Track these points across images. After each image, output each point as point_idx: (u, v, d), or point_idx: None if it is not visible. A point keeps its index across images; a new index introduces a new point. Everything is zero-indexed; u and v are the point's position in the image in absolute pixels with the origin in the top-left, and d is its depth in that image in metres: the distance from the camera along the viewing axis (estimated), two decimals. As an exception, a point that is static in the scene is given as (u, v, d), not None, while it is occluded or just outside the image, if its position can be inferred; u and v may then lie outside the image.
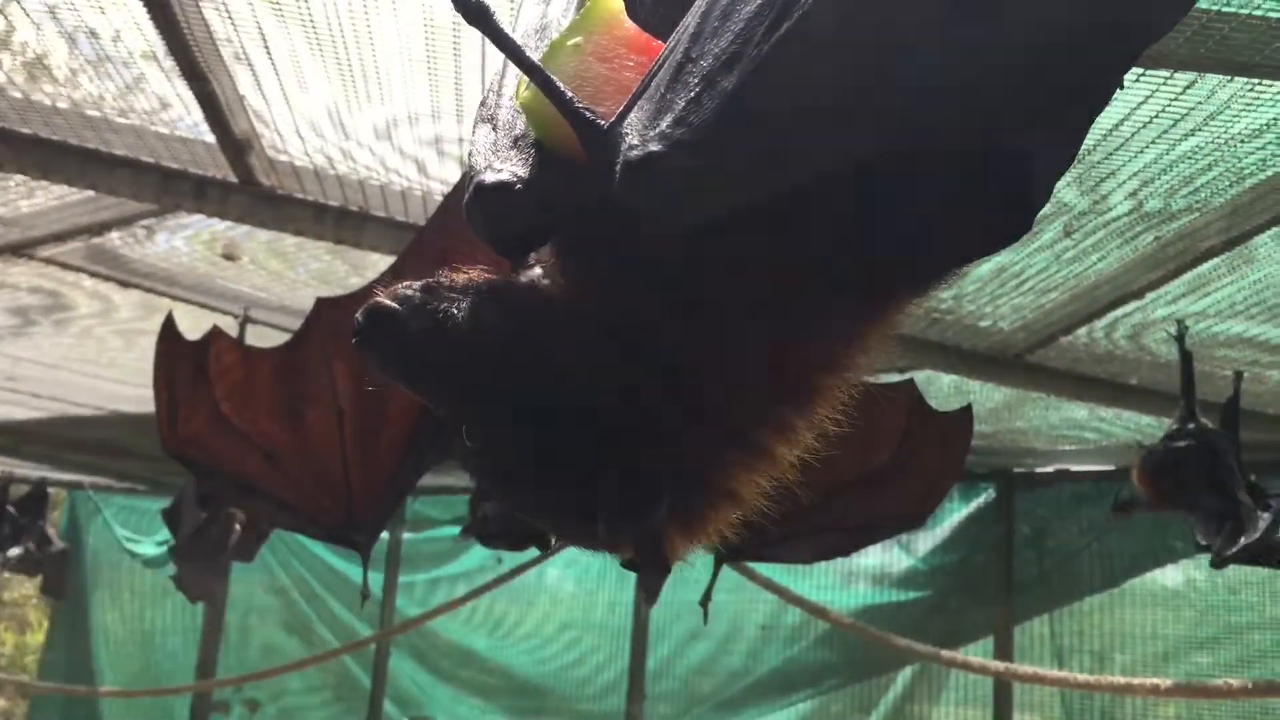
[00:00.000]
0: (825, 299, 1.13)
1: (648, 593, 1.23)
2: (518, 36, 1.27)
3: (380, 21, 3.13)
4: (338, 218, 4.22)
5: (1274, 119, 3.11)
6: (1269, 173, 3.40)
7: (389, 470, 3.26)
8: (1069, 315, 4.41)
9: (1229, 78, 2.92)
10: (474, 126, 1.33)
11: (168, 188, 4.04)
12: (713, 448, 1.17)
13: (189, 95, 3.53)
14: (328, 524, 3.35)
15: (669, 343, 1.14)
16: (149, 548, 10.44)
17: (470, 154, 1.31)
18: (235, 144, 3.82)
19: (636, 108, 1.08)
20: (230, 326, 4.71)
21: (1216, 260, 3.92)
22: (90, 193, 4.31)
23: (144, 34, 3.26)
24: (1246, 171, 3.43)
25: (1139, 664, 6.99)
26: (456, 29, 3.09)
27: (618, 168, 1.05)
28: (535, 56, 1.18)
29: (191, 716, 10.00)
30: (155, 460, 8.95)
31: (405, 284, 1.21)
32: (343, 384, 3.20)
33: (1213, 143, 3.30)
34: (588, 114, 1.10)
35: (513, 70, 1.32)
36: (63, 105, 3.75)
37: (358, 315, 1.17)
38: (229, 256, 4.91)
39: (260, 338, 4.83)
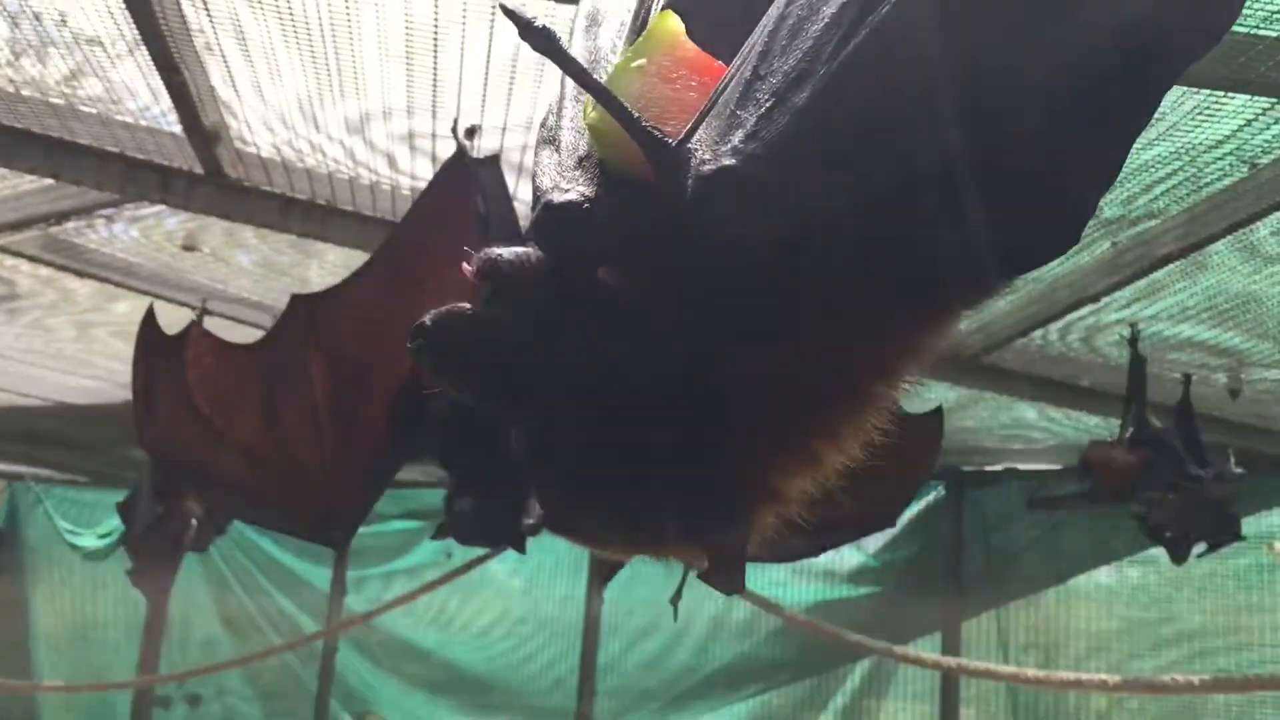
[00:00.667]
0: (886, 308, 1.16)
1: (728, 591, 1.24)
2: (575, 55, 1.30)
3: (360, 15, 3.12)
4: (304, 211, 4.20)
5: (1235, 130, 3.20)
6: (1226, 182, 3.50)
7: (364, 467, 3.26)
8: (1027, 318, 4.50)
9: (1194, 90, 3.00)
10: (537, 148, 1.36)
11: (132, 178, 3.99)
12: (769, 451, 1.20)
13: (159, 85, 3.49)
14: (304, 521, 3.34)
15: (735, 349, 1.16)
16: (91, 540, 10.27)
17: (534, 175, 1.34)
18: (204, 135, 3.78)
19: (704, 125, 1.11)
20: (186, 318, 4.66)
21: (1171, 266, 4.02)
22: (49, 181, 4.26)
23: (117, 23, 3.23)
24: (1205, 181, 3.52)
25: (1082, 659, 7.14)
26: (438, 25, 3.09)
27: (689, 182, 1.08)
28: (599, 79, 1.20)
29: (133, 712, 9.87)
30: (100, 453, 8.84)
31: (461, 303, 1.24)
32: (319, 381, 3.19)
33: (1174, 152, 3.39)
34: (655, 132, 1.13)
35: (571, 93, 1.37)
36: (27, 93, 3.69)
37: (423, 320, 1.20)
38: (188, 248, 4.85)
39: (218, 330, 4.78)
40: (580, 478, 1.21)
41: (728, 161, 1.07)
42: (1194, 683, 4.55)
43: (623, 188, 1.21)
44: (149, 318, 3.48)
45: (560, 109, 1.37)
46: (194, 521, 5.47)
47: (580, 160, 1.28)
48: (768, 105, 1.07)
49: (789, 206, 1.08)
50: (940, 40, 1.03)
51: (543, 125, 1.38)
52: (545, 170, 1.31)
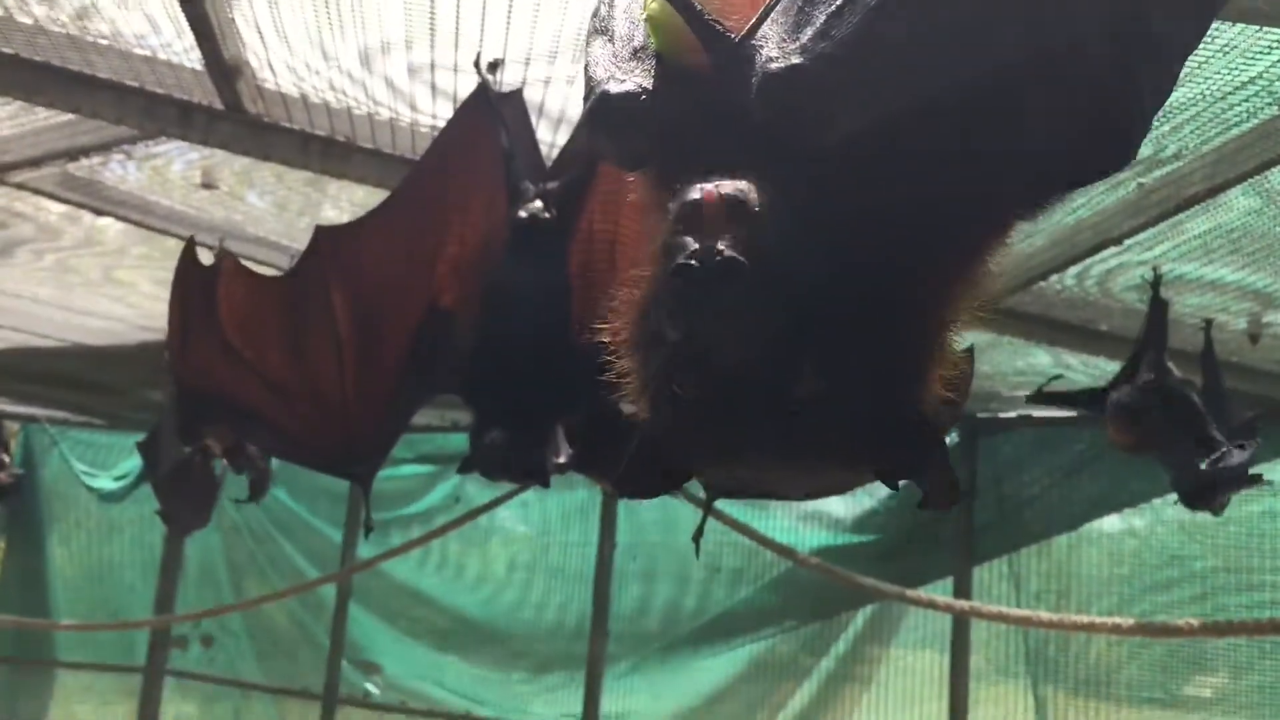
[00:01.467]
0: (955, 212, 1.16)
1: (950, 505, 1.25)
2: None
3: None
4: (323, 148, 4.18)
5: (1267, 68, 3.16)
6: (1254, 122, 3.46)
7: (389, 401, 3.26)
8: (1048, 260, 4.47)
9: (1228, 23, 2.96)
10: (588, 38, 1.34)
11: (152, 112, 3.97)
12: (926, 355, 1.22)
13: (180, 18, 3.47)
14: (328, 456, 3.34)
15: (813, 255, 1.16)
16: (107, 482, 10.35)
17: (587, 65, 1.31)
18: (224, 69, 3.76)
19: (770, 20, 1.10)
20: (206, 258, 4.65)
21: (1194, 209, 3.98)
22: (68, 117, 4.24)
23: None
24: (1233, 120, 3.48)
25: (1095, 603, 7.17)
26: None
27: (755, 80, 1.06)
28: None
29: (149, 651, 9.98)
30: (116, 395, 8.87)
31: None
32: (342, 316, 3.18)
33: (1203, 91, 3.35)
34: (718, 26, 1.11)
35: None
36: (47, 26, 3.67)
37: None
38: (207, 185, 4.84)
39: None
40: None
41: (796, 60, 1.05)
42: (1206, 626, 4.59)
43: (682, 80, 1.19)
44: (189, 250, 3.47)
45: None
46: (223, 462, 5.51)
47: (636, 51, 1.25)
48: (839, 3, 1.05)
49: (858, 110, 1.07)
50: None
51: (594, 15, 1.35)
52: (599, 61, 1.28)
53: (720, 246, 1.05)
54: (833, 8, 1.06)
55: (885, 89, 1.07)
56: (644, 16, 1.22)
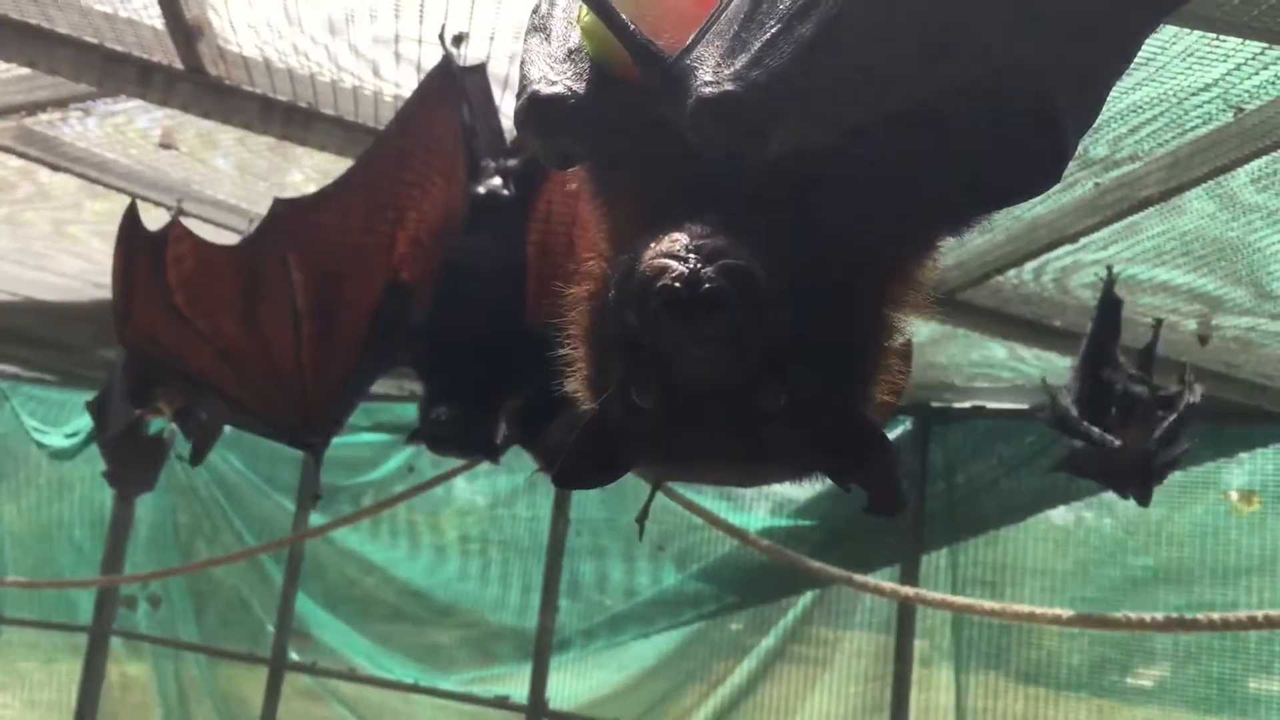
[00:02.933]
0: (878, 237, 1.19)
1: (896, 511, 1.24)
2: None
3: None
4: (285, 113, 4.14)
5: (1223, 75, 3.20)
6: (1210, 127, 3.50)
7: (344, 373, 3.26)
8: (1004, 256, 4.52)
9: (1186, 30, 2.99)
10: (526, 34, 1.34)
11: (110, 71, 3.92)
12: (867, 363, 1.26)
13: (142, -26, 3.43)
14: (282, 425, 3.33)
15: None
16: (58, 439, 10.24)
17: (523, 61, 1.33)
18: (185, 30, 3.71)
19: (704, 42, 1.12)
20: (162, 218, 4.61)
21: (1150, 210, 4.04)
22: (24, 71, 4.18)
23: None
24: (1189, 125, 3.53)
25: (1038, 594, 7.28)
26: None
27: (690, 102, 1.08)
28: None
29: (96, 610, 9.92)
30: (70, 352, 8.78)
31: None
32: (300, 285, 3.17)
33: (1160, 95, 3.39)
34: (650, 47, 1.12)
35: None
36: (5, -23, 3.61)
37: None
38: (166, 145, 4.79)
39: (195, 231, 4.74)
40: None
41: (730, 87, 1.07)
42: (1145, 620, 4.67)
43: (611, 88, 1.21)
44: (131, 211, 3.43)
45: None
46: (172, 425, 5.48)
47: (570, 53, 1.27)
48: (773, 31, 1.08)
49: (788, 136, 1.09)
50: None
51: (534, 11, 1.36)
52: (534, 59, 1.29)
53: (708, 273, 1.06)
54: (767, 36, 1.08)
55: (817, 117, 1.10)
56: (578, 26, 1.24)
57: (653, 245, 1.10)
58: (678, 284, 1.04)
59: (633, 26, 1.14)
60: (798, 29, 1.07)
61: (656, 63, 1.12)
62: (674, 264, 1.06)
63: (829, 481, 1.30)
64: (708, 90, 1.08)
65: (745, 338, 1.09)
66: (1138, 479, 4.63)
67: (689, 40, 1.13)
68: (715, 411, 1.15)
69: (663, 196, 1.21)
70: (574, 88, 1.23)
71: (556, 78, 1.25)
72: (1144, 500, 4.64)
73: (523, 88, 1.28)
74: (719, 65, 1.09)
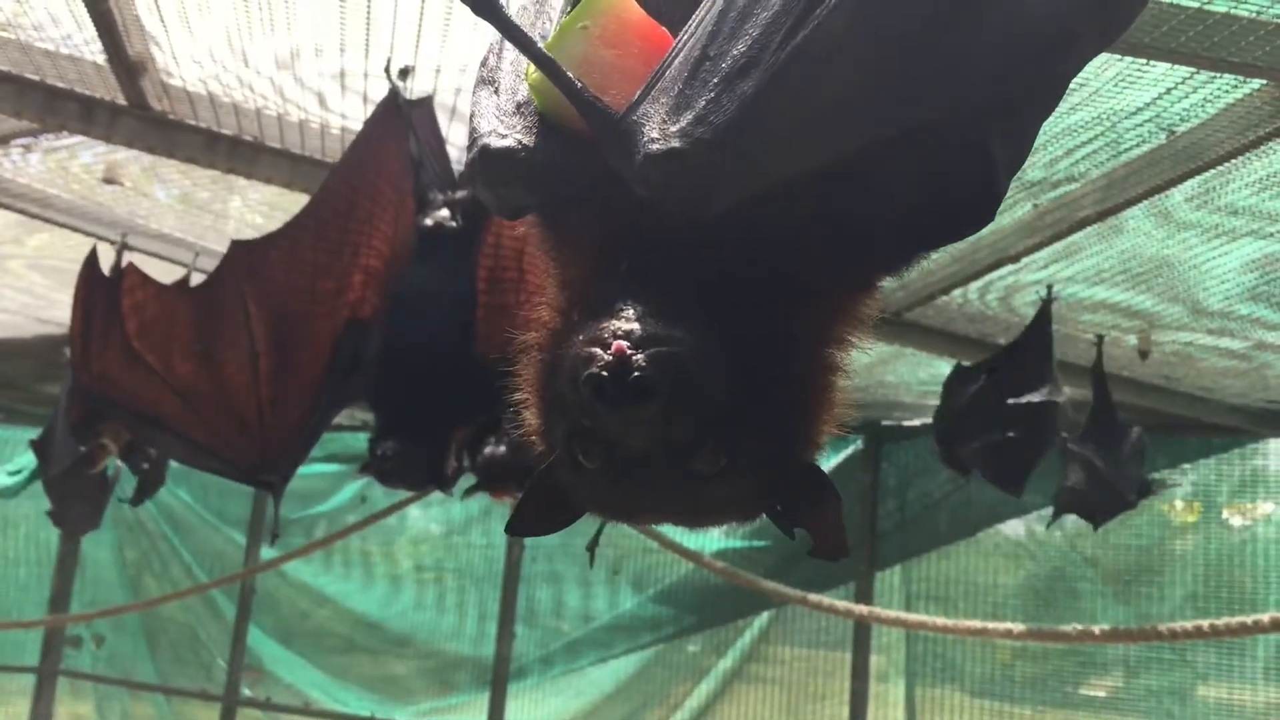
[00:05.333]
0: (819, 280, 1.22)
1: (839, 557, 1.26)
2: (515, 5, 1.31)
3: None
4: (230, 147, 4.13)
5: (1155, 98, 3.29)
6: (1145, 149, 3.59)
7: (302, 411, 3.26)
8: (949, 276, 4.59)
9: (1118, 56, 3.07)
10: (475, 86, 1.37)
11: (53, 107, 3.89)
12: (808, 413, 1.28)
13: (83, 12, 3.40)
14: (240, 464, 3.33)
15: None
16: (1, 477, 10.05)
17: (472, 115, 1.35)
18: (128, 65, 3.69)
19: (649, 99, 1.15)
20: (106, 253, 4.57)
21: (1089, 229, 4.12)
22: (-36, 107, 4.13)
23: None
24: (1124, 147, 3.61)
25: (985, 609, 7.36)
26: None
27: (637, 158, 1.12)
28: (538, 33, 1.22)
29: (43, 650, 9.74)
30: (12, 389, 8.64)
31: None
32: (258, 326, 3.18)
33: (1095, 118, 3.47)
34: (597, 104, 1.15)
35: None
36: (-57, 15, 3.58)
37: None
38: (110, 180, 4.75)
39: (139, 265, 4.69)
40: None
41: (676, 144, 1.10)
42: (1093, 632, 4.74)
43: (560, 142, 1.24)
44: (91, 258, 3.44)
45: (501, 49, 1.37)
46: (117, 462, 5.41)
47: (519, 106, 1.29)
48: (716, 89, 1.11)
49: (733, 192, 1.13)
50: (882, 32, 1.09)
51: (483, 64, 1.39)
52: (483, 112, 1.32)
53: (639, 360, 1.09)
54: (711, 94, 1.11)
55: (760, 172, 1.13)
56: (527, 83, 1.26)
57: (590, 325, 1.14)
58: (605, 373, 1.08)
59: (580, 84, 1.16)
60: (739, 86, 1.10)
61: (604, 119, 1.15)
62: (600, 353, 1.10)
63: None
64: (654, 147, 1.11)
65: (677, 417, 1.13)
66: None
67: (635, 96, 1.16)
68: (658, 472, 1.18)
69: (610, 246, 1.23)
70: (524, 141, 1.26)
71: (506, 131, 1.27)
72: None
73: (473, 141, 1.30)
74: (664, 122, 1.12)
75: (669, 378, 1.09)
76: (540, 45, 1.20)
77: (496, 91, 1.33)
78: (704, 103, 1.11)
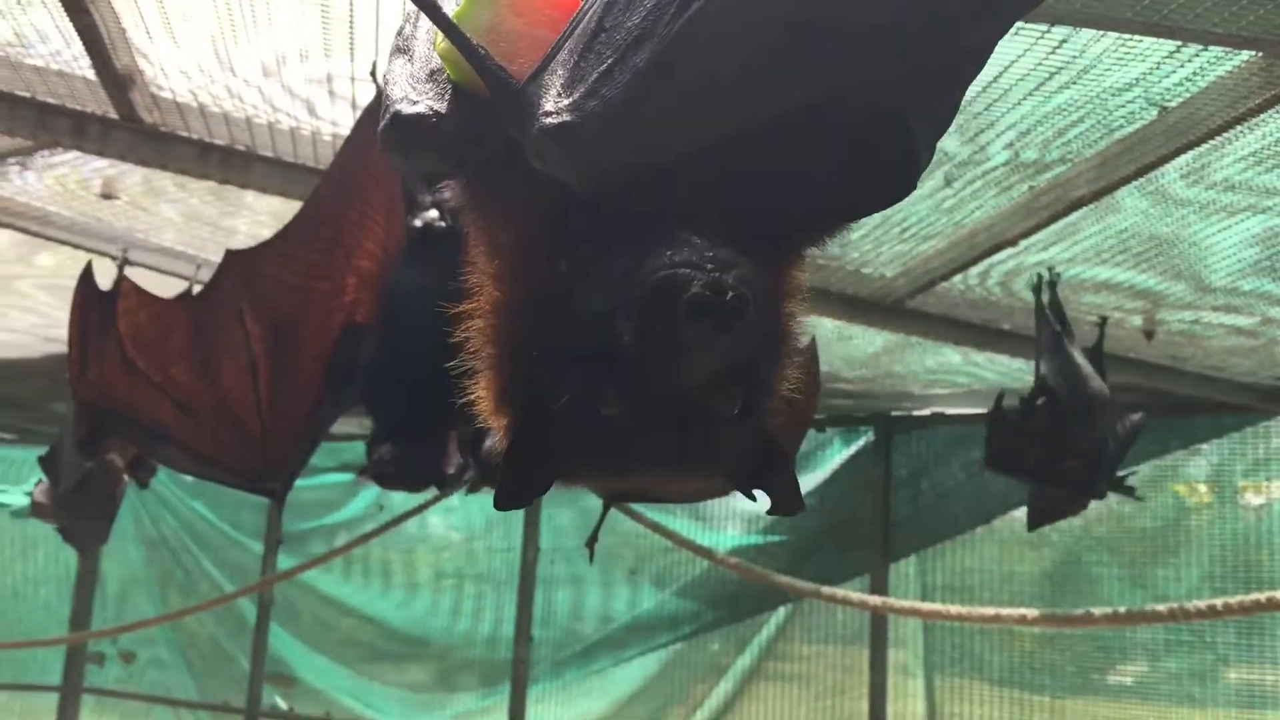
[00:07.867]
0: (757, 245, 1.21)
1: (793, 511, 1.27)
2: None
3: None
4: (223, 157, 4.14)
5: (1143, 74, 3.26)
6: (1136, 126, 3.57)
7: (303, 417, 3.27)
8: (948, 262, 4.57)
9: (1102, 33, 3.05)
10: (390, 55, 1.38)
11: (45, 123, 3.92)
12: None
13: (69, 28, 3.42)
14: (243, 473, 3.34)
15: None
16: (18, 498, 10.08)
17: (386, 82, 1.36)
18: (117, 79, 3.71)
19: (549, 70, 1.15)
20: (108, 268, 4.58)
21: (1085, 210, 4.10)
22: (-41, 127, 4.15)
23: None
24: (1115, 125, 3.59)
25: (1002, 597, 7.32)
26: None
27: (533, 131, 1.12)
28: (452, 6, 1.22)
29: (65, 669, 9.80)
30: (24, 408, 8.69)
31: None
32: (255, 334, 3.19)
33: (1085, 97, 3.45)
34: (500, 73, 1.16)
35: None
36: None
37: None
38: (107, 195, 4.77)
39: (140, 281, 4.71)
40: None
41: (568, 118, 1.11)
42: (1108, 614, 4.70)
43: (471, 109, 1.25)
44: (86, 272, 3.47)
45: (417, 18, 1.38)
46: (125, 477, 5.44)
47: (432, 73, 1.30)
48: (609, 61, 1.11)
49: (625, 162, 1.13)
50: (771, 12, 1.08)
51: (398, 33, 1.39)
52: (397, 80, 1.32)
53: (730, 281, 1.07)
54: (604, 66, 1.11)
55: (655, 143, 1.13)
56: (436, 52, 1.27)
57: (661, 255, 1.11)
58: (707, 292, 1.06)
59: (484, 51, 1.17)
60: (632, 59, 1.10)
61: (505, 88, 1.16)
62: (697, 273, 1.08)
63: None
64: (548, 120, 1.11)
65: (740, 343, 1.12)
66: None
67: (535, 67, 1.16)
68: (676, 417, 1.16)
69: (544, 212, 1.23)
70: (435, 107, 1.26)
71: (418, 97, 1.28)
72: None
73: (385, 107, 1.31)
74: (559, 95, 1.12)
75: (754, 298, 1.08)
76: (448, 12, 1.20)
77: (410, 59, 1.33)
78: (596, 75, 1.11)
